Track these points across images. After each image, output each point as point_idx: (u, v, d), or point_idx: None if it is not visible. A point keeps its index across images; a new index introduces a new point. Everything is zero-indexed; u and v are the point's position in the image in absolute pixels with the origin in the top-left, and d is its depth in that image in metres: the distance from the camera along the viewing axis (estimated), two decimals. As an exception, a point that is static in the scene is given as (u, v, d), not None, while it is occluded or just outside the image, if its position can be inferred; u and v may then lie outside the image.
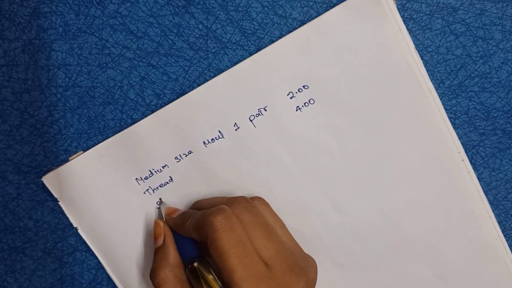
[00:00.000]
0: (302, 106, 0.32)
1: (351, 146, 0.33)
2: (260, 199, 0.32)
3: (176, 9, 0.32)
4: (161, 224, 0.32)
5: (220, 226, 0.27)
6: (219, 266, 0.27)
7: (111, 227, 0.34)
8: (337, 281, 0.35)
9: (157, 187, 0.34)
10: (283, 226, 0.32)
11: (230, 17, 0.32)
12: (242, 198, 0.30)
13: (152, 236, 0.33)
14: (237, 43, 0.32)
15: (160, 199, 0.34)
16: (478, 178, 0.34)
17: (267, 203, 0.32)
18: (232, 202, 0.29)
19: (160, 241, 0.31)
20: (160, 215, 0.34)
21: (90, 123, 0.33)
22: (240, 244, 0.27)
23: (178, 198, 0.34)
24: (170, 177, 0.34)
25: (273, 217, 0.32)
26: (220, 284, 0.29)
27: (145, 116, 0.33)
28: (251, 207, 0.29)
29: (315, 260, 0.32)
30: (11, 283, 0.35)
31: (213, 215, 0.27)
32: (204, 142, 0.33)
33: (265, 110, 0.32)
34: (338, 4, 0.31)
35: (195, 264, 0.30)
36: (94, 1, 0.32)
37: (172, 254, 0.31)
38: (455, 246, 0.34)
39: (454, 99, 0.33)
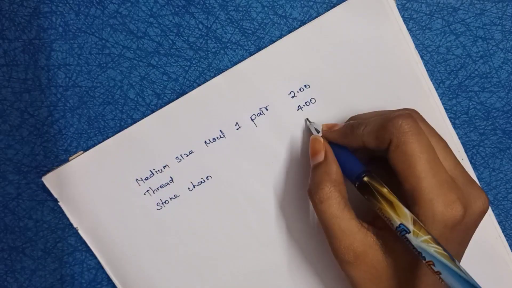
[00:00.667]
0: (304, 105, 0.32)
1: (352, 146, 0.33)
2: (417, 112, 0.29)
3: (176, 9, 0.32)
4: (321, 139, 0.30)
5: (409, 129, 0.25)
6: (404, 172, 0.25)
7: (111, 227, 0.34)
8: (338, 280, 0.35)
9: (157, 188, 0.34)
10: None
11: (230, 17, 0.32)
12: (411, 109, 0.28)
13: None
14: (237, 43, 0.32)
15: (307, 118, 0.32)
16: (478, 178, 0.34)
17: None
18: (404, 110, 0.27)
19: (320, 157, 0.29)
20: (309, 134, 0.32)
21: (90, 123, 0.33)
22: (430, 150, 0.25)
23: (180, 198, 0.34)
24: (170, 177, 0.33)
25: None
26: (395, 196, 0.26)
27: (145, 116, 0.33)
28: (423, 118, 0.28)
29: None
30: (11, 283, 0.35)
31: (402, 118, 0.25)
32: (205, 142, 0.33)
33: (267, 110, 0.32)
34: (338, 4, 0.31)
35: (366, 178, 0.27)
36: (94, 1, 0.32)
37: (334, 169, 0.28)
38: (455, 246, 0.34)
39: (454, 99, 0.33)
